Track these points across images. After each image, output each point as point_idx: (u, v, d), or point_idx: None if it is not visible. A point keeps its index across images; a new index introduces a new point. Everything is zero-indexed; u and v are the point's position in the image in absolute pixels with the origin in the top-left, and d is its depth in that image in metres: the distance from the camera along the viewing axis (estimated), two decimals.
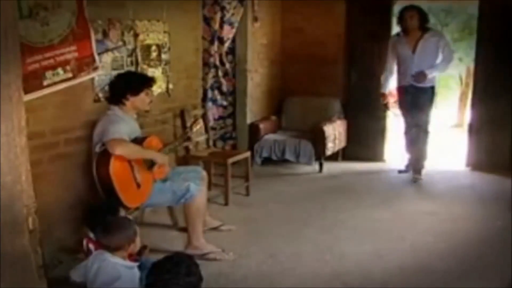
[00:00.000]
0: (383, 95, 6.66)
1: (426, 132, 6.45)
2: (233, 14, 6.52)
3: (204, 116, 6.05)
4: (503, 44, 6.64)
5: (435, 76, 6.39)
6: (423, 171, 6.56)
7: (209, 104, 6.58)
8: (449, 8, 12.22)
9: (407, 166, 6.76)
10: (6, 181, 2.69)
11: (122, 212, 3.72)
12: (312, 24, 7.44)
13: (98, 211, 3.56)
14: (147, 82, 4.26)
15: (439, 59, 6.27)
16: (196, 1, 6.02)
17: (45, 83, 3.90)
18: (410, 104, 6.38)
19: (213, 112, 6.70)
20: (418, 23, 6.24)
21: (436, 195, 6.07)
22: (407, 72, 6.29)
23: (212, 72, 6.51)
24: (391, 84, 6.66)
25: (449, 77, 16.46)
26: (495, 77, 6.77)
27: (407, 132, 6.60)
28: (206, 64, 6.46)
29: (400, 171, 6.78)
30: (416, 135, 6.47)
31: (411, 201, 5.83)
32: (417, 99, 6.31)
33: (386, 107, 6.88)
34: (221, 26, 6.40)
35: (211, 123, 6.65)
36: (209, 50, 6.41)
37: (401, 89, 6.46)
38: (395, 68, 6.50)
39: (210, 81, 6.51)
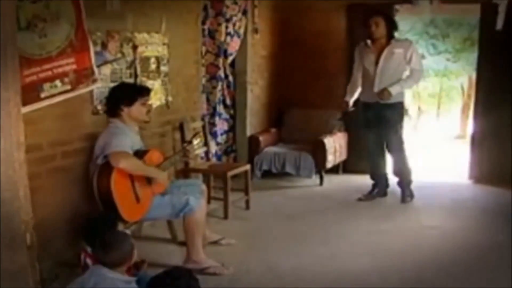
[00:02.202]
0: (347, 104, 6.24)
1: (401, 151, 6.06)
2: (240, 27, 6.56)
3: (204, 129, 6.05)
4: (505, 54, 6.66)
5: (403, 92, 5.99)
6: (392, 197, 6.26)
7: (216, 118, 6.60)
8: (450, 19, 12.26)
9: (370, 193, 6.36)
10: (5, 197, 2.70)
11: (120, 226, 3.71)
12: (313, 36, 7.48)
13: (95, 225, 3.55)
14: (140, 91, 4.27)
15: (405, 74, 5.88)
16: (196, 13, 6.03)
17: (42, 95, 3.90)
18: (374, 123, 5.98)
19: (219, 127, 6.72)
20: (385, 31, 5.80)
21: (438, 208, 6.05)
22: (370, 87, 5.90)
23: (220, 85, 6.53)
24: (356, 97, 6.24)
25: (452, 88, 16.52)
26: (497, 88, 6.77)
27: (371, 155, 6.24)
28: (213, 77, 6.48)
29: (360, 199, 6.31)
30: (393, 158, 6.12)
31: (413, 215, 5.82)
32: (383, 117, 5.90)
33: (347, 115, 6.58)
34: (226, 38, 6.42)
35: (218, 139, 6.68)
36: (215, 63, 6.43)
37: (365, 106, 6.08)
38: (360, 80, 6.12)
39: (218, 94, 6.53)
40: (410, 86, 6.28)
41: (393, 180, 6.35)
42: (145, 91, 4.31)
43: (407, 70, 5.90)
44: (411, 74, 5.92)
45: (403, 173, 6.19)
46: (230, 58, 6.62)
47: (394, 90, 5.79)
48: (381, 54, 5.82)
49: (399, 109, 5.98)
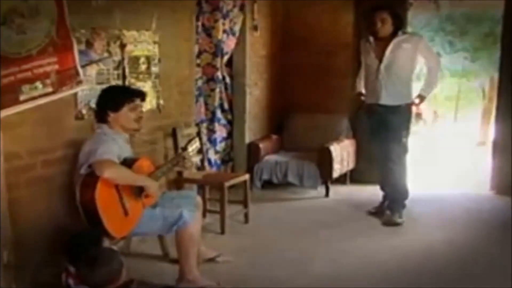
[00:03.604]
0: (360, 93, 6.19)
1: (400, 163, 5.90)
2: (235, 23, 6.57)
3: (199, 135, 6.05)
4: None
5: (411, 91, 5.88)
6: (404, 212, 6.02)
7: (216, 124, 6.60)
8: (470, 13, 12.23)
9: (381, 205, 6.25)
10: None
11: (106, 242, 3.70)
12: (318, 33, 7.48)
13: (79, 242, 3.55)
14: (127, 95, 4.21)
15: (417, 70, 5.81)
16: (190, 9, 6.04)
17: (21, 98, 3.88)
18: (379, 128, 5.89)
19: (219, 133, 6.72)
20: (392, 28, 5.70)
21: (455, 222, 6.04)
22: (374, 88, 5.82)
23: (219, 87, 6.53)
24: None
25: (471, 90, 16.49)
26: None
27: (381, 164, 6.07)
28: (211, 79, 6.48)
29: (370, 212, 6.28)
30: (389, 168, 5.93)
31: (427, 229, 5.81)
32: (385, 121, 5.78)
33: (361, 106, 6.39)
34: (223, 36, 6.42)
35: (217, 146, 6.68)
36: (213, 64, 6.43)
37: (369, 109, 6.02)
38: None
39: (217, 98, 6.53)
40: (437, 81, 6.09)
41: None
42: (135, 95, 4.26)
43: (410, 66, 5.79)
44: (430, 71, 5.89)
45: (396, 190, 6.04)
46: (226, 58, 6.63)
47: (426, 92, 5.87)
48: (385, 50, 5.70)
49: (404, 113, 5.86)
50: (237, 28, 6.67)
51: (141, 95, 4.32)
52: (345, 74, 7.28)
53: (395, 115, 5.79)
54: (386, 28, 5.69)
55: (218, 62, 6.49)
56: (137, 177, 4.08)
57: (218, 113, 6.67)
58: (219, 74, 6.53)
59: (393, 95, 5.78)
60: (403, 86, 5.82)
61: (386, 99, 5.79)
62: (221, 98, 6.72)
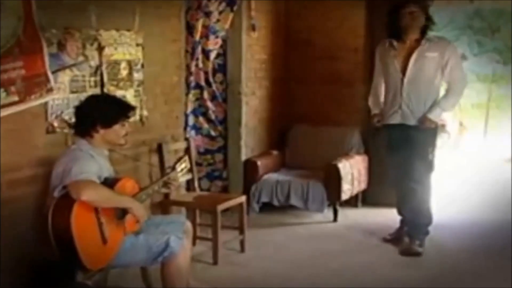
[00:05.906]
0: (375, 115, 6.18)
1: (423, 183, 5.89)
2: (218, 21, 6.54)
3: (189, 151, 6.05)
4: None
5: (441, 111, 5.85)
6: (426, 239, 6.00)
7: (192, 132, 6.61)
8: (501, 8, 12.23)
9: (398, 231, 6.25)
10: None
11: (80, 276, 3.68)
12: (324, 35, 7.53)
13: (48, 276, 3.54)
14: (124, 111, 4.22)
15: (436, 86, 5.74)
16: (178, 5, 6.05)
17: None
18: (400, 146, 5.86)
19: (197, 143, 6.72)
20: (423, 26, 5.69)
21: (486, 253, 5.98)
22: (396, 102, 5.82)
23: (193, 93, 6.55)
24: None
25: (503, 98, 16.48)
26: None
27: (397, 186, 6.12)
28: (186, 84, 6.51)
29: (385, 239, 6.28)
30: (410, 188, 5.90)
31: (452, 260, 5.79)
32: (409, 138, 5.78)
33: (378, 128, 6.28)
34: (205, 36, 6.44)
35: (193, 155, 6.68)
36: (189, 66, 6.44)
37: (388, 126, 6.01)
38: (382, 88, 6.07)
39: (191, 105, 6.54)
40: (454, 105, 6.08)
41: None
42: (131, 111, 4.29)
43: (438, 78, 5.75)
44: (450, 88, 5.80)
45: (418, 214, 5.98)
46: (211, 60, 6.65)
47: (434, 115, 5.72)
48: (409, 58, 5.70)
49: (431, 130, 5.82)
50: (219, 27, 6.62)
51: (134, 110, 4.38)
52: (355, 81, 7.31)
53: (420, 132, 5.78)
54: (417, 24, 5.66)
55: (192, 65, 6.49)
56: (122, 198, 4.08)
57: (194, 121, 6.71)
58: (192, 78, 6.54)
59: (419, 113, 5.76)
60: (431, 102, 5.78)
61: (411, 119, 5.78)
62: (204, 106, 6.77)
